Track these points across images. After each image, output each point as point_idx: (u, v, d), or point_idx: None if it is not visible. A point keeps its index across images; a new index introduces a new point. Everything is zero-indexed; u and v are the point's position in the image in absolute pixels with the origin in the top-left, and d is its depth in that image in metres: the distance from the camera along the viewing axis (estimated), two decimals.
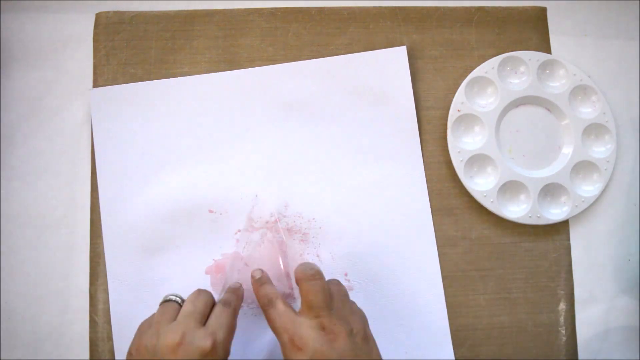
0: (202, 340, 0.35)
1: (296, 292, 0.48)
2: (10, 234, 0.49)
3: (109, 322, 0.47)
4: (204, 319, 0.38)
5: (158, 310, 0.40)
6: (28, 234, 0.49)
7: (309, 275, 0.39)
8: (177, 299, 0.41)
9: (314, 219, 0.49)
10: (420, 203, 0.51)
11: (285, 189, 0.50)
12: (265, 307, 0.40)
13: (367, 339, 0.38)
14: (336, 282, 0.41)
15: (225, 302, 0.40)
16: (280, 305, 0.39)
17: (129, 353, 0.38)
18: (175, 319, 0.38)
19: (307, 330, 0.36)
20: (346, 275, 0.49)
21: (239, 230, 0.49)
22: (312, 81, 0.52)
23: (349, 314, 0.38)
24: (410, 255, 0.49)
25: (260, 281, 0.42)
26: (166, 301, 0.41)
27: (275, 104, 0.51)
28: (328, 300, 0.38)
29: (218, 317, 0.38)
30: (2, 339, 0.48)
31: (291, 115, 0.51)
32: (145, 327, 0.39)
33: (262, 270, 0.43)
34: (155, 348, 0.36)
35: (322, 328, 0.36)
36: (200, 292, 0.40)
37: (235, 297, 0.41)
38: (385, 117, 0.51)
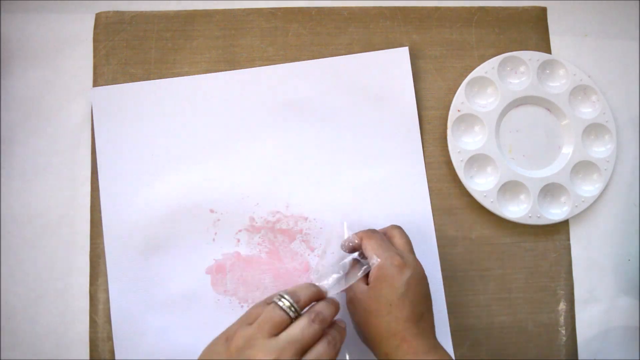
0: None
1: None
2: (10, 234, 0.49)
3: (109, 322, 0.47)
4: (304, 351, 0.35)
5: (267, 311, 0.36)
6: (28, 234, 0.49)
7: (394, 226, 0.46)
8: (290, 309, 0.36)
9: (315, 219, 0.49)
10: (421, 203, 0.51)
11: (286, 189, 0.50)
12: (368, 231, 0.44)
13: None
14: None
15: (331, 341, 0.37)
16: (383, 235, 0.44)
17: (225, 335, 0.36)
18: (277, 333, 0.35)
19: (408, 257, 0.41)
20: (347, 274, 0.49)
21: (240, 230, 0.49)
22: (314, 81, 0.52)
23: None
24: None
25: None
26: (277, 304, 0.37)
27: (276, 104, 0.51)
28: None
29: (319, 355, 0.35)
30: (2, 339, 0.48)
31: (292, 116, 0.51)
32: (249, 319, 0.37)
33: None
34: (241, 353, 0.34)
35: (417, 260, 0.42)
36: (314, 319, 0.36)
37: (340, 337, 0.38)
38: (387, 118, 0.51)
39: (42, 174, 0.50)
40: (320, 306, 0.38)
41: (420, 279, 0.40)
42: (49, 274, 0.49)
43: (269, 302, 0.37)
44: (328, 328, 0.38)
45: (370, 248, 0.42)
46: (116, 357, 0.46)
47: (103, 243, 0.48)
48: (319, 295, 0.39)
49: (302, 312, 0.37)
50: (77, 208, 0.50)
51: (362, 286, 0.41)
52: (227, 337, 0.36)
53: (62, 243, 0.49)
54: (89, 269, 0.48)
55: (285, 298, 0.37)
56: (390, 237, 0.44)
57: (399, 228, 0.45)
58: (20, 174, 0.50)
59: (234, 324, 0.37)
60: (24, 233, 0.49)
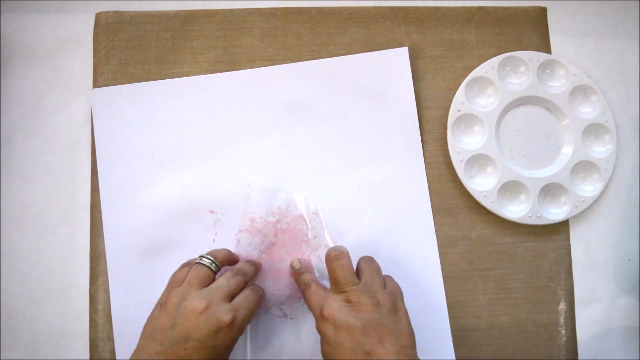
0: (224, 314, 0.38)
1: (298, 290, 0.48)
2: (10, 234, 0.49)
3: (109, 322, 0.47)
4: (231, 297, 0.41)
5: (192, 270, 0.41)
6: (28, 234, 0.49)
7: (334, 256, 0.43)
8: (212, 265, 0.42)
9: (315, 218, 0.49)
10: (421, 203, 0.51)
11: (287, 190, 0.50)
12: (303, 290, 0.44)
13: (396, 310, 0.40)
14: (368, 259, 0.44)
15: (254, 289, 0.43)
16: (313, 286, 0.43)
17: (159, 304, 0.41)
18: (206, 285, 0.41)
19: (333, 303, 0.40)
20: None
21: (240, 231, 0.49)
22: (313, 82, 0.52)
23: (378, 288, 0.41)
24: (412, 255, 0.49)
25: (300, 271, 0.45)
26: (201, 263, 0.42)
27: (276, 104, 0.51)
28: (352, 276, 0.42)
29: (245, 298, 0.41)
30: (2, 339, 0.48)
31: (292, 116, 0.51)
32: (176, 283, 0.41)
33: (300, 260, 0.46)
34: (179, 307, 0.38)
35: (348, 301, 0.40)
36: (237, 273, 0.42)
37: (262, 291, 0.44)
38: (387, 118, 0.51)
39: (42, 174, 0.50)
40: (240, 264, 0.44)
41: (351, 317, 0.39)
42: (49, 274, 0.49)
43: (191, 264, 0.43)
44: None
45: (308, 305, 0.43)
46: (116, 357, 0.46)
47: (103, 243, 0.48)
48: (233, 257, 0.45)
49: (222, 269, 0.44)
50: (77, 208, 0.50)
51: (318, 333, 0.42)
52: (160, 304, 0.40)
53: (62, 243, 0.49)
54: (89, 269, 0.48)
55: (205, 257, 0.42)
56: (330, 272, 0.43)
57: (330, 260, 0.43)
58: (20, 174, 0.50)
59: (163, 293, 0.42)
60: (24, 233, 0.49)
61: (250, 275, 0.44)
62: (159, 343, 0.37)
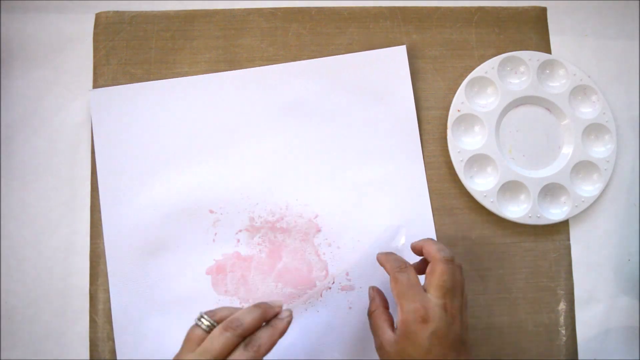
0: None
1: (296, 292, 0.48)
2: (10, 234, 0.49)
3: (109, 322, 0.47)
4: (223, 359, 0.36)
5: (188, 332, 0.37)
6: (28, 234, 0.49)
7: (448, 258, 0.40)
8: (204, 324, 0.37)
9: (314, 218, 0.49)
10: (421, 203, 0.51)
11: (286, 189, 0.50)
12: (397, 269, 0.41)
13: (468, 331, 0.40)
14: (460, 272, 0.42)
15: (248, 343, 0.36)
16: (413, 275, 0.40)
17: None
18: (199, 345, 0.36)
19: (434, 307, 0.38)
20: (347, 274, 0.49)
21: (240, 230, 0.49)
22: (312, 81, 0.52)
23: (463, 306, 0.40)
24: (412, 255, 0.49)
25: (401, 267, 0.42)
26: (196, 323, 0.38)
27: (275, 104, 0.51)
28: (459, 288, 0.40)
29: None
30: (2, 339, 0.48)
31: (291, 115, 0.51)
32: (181, 347, 0.38)
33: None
34: None
35: (445, 309, 0.38)
36: (227, 326, 0.36)
37: (266, 337, 0.37)
38: (386, 117, 0.51)
39: (42, 174, 0.50)
40: (238, 313, 0.37)
41: (447, 327, 0.38)
42: (49, 274, 0.49)
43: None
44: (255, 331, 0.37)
45: (395, 293, 0.40)
46: (117, 357, 0.46)
47: (103, 243, 0.48)
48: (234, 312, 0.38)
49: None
50: (77, 208, 0.50)
51: (388, 335, 0.39)
52: None
53: (62, 243, 0.49)
54: (89, 269, 0.48)
55: (203, 317, 0.37)
56: (430, 272, 0.40)
57: (446, 263, 0.40)
58: (20, 174, 0.50)
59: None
60: (24, 233, 0.49)
61: (249, 325, 0.37)
62: None
